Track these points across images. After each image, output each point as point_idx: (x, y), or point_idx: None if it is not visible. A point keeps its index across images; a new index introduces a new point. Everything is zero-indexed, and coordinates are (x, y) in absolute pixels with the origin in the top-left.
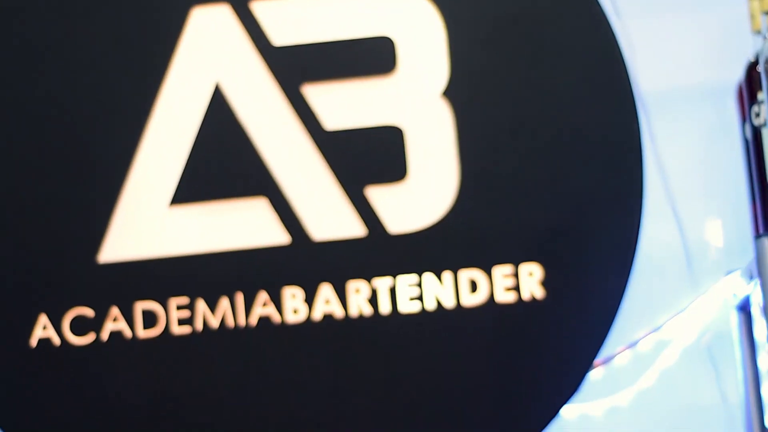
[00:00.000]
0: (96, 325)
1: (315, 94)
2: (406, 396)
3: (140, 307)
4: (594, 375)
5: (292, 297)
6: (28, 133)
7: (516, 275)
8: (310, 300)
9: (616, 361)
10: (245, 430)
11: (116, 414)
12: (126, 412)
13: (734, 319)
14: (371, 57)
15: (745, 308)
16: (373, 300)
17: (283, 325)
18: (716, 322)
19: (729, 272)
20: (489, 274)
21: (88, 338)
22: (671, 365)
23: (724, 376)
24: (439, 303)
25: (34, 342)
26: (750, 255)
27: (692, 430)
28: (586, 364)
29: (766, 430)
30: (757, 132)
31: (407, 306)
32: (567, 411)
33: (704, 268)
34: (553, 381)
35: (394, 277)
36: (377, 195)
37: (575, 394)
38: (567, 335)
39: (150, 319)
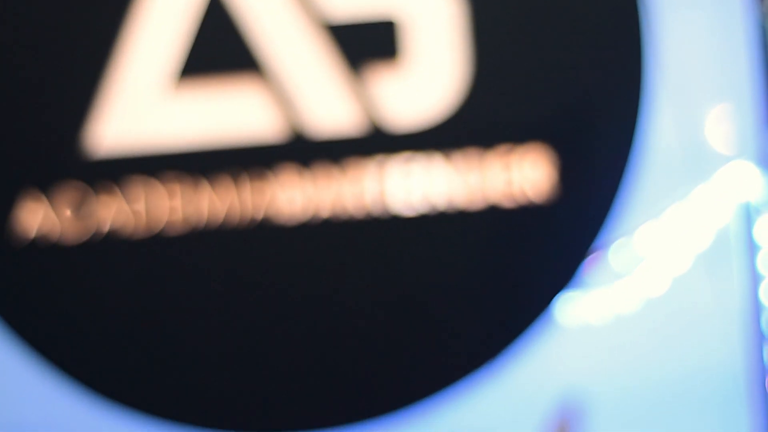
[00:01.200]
0: (82, 220)
1: None
2: (403, 291)
3: (128, 205)
4: (596, 282)
5: (289, 194)
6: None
7: (516, 163)
8: (307, 199)
9: (618, 266)
10: (241, 329)
11: (111, 312)
12: (121, 311)
13: (738, 213)
14: None
15: (749, 203)
16: (374, 197)
17: (281, 224)
18: (721, 217)
19: (732, 163)
20: (491, 159)
21: (77, 235)
22: (679, 273)
23: (725, 278)
24: (436, 196)
25: (19, 235)
26: (754, 147)
27: (698, 337)
28: (583, 253)
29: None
30: None
31: (404, 199)
32: (569, 320)
33: (708, 159)
34: (550, 269)
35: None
36: (378, 86)
37: (572, 282)
38: (568, 225)
39: (139, 217)
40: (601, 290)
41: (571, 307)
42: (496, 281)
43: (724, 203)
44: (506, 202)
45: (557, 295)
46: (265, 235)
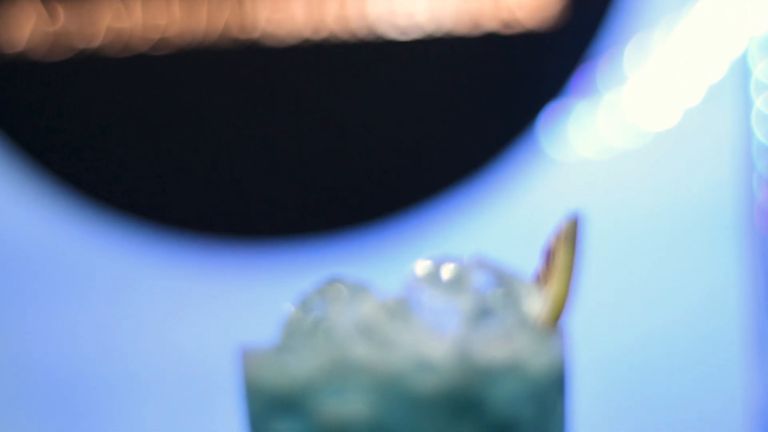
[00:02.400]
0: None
1: None
2: (387, 112)
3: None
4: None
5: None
6: None
7: None
8: (307, 21)
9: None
10: (233, 157)
11: (104, 121)
12: (115, 122)
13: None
14: None
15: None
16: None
17: (278, 47)
18: (725, 46)
19: None
20: None
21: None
22: (688, 107)
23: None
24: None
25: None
26: None
27: (689, 170)
28: (577, 59)
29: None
30: None
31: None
32: (565, 156)
33: None
34: (539, 86)
35: None
36: None
37: (561, 98)
38: (558, 46)
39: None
40: (591, 118)
41: (561, 140)
42: (485, 97)
43: (727, 29)
44: (495, 24)
45: (544, 108)
46: (252, 56)
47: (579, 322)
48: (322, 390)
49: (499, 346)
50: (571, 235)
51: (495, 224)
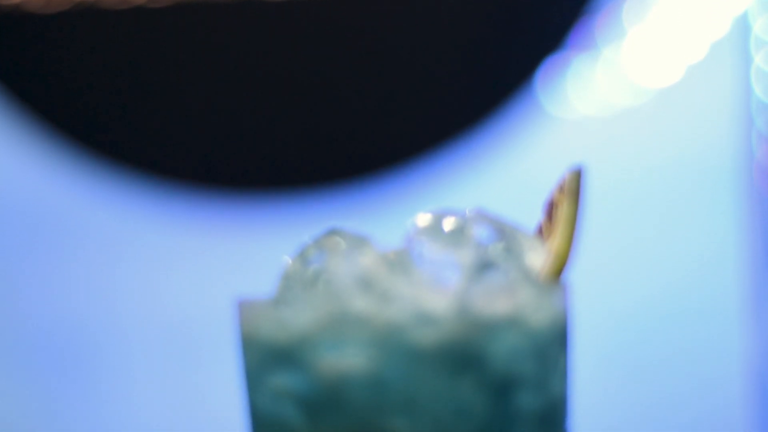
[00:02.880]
0: None
1: None
2: (399, 57)
3: None
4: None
5: None
6: None
7: None
8: None
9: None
10: (231, 109)
11: (99, 74)
12: (105, 85)
13: None
14: None
15: None
16: None
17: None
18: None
19: None
20: None
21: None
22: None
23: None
24: None
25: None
26: None
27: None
28: (576, 13)
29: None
30: None
31: None
32: (565, 113)
33: None
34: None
35: None
36: None
37: (564, 44)
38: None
39: None
40: (590, 74)
41: (560, 95)
42: (484, 50)
43: None
44: None
45: (543, 62)
46: (250, 7)
47: (580, 277)
48: (320, 343)
49: (500, 300)
50: (574, 187)
51: (495, 180)
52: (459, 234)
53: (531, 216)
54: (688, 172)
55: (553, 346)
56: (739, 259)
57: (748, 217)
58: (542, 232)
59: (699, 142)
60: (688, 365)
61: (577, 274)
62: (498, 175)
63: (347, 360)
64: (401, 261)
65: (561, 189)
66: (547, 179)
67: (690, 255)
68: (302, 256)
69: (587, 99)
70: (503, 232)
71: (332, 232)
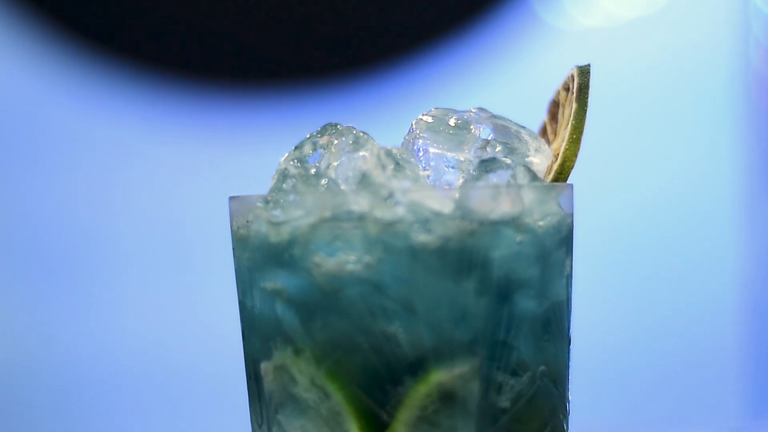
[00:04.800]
0: None
1: None
2: None
3: None
4: None
5: None
6: None
7: None
8: None
9: None
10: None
11: None
12: None
13: None
14: None
15: None
16: None
17: None
18: None
19: None
20: None
21: None
22: None
23: None
24: None
25: None
26: None
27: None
28: None
29: None
30: None
31: None
32: (568, 25)
33: None
34: None
35: None
36: None
37: None
38: None
39: None
40: None
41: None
42: None
43: None
44: None
45: None
46: None
47: (584, 180)
48: (315, 242)
49: (502, 201)
50: (581, 86)
51: (497, 82)
52: (462, 132)
53: (533, 118)
54: (687, 79)
55: (556, 249)
56: (736, 161)
57: (745, 122)
58: (546, 133)
59: (696, 51)
60: (690, 264)
61: (579, 177)
62: (500, 78)
63: (344, 259)
64: (402, 158)
65: (566, 88)
66: (549, 83)
67: (690, 158)
68: (298, 152)
69: (587, 9)
70: (507, 131)
71: (330, 127)
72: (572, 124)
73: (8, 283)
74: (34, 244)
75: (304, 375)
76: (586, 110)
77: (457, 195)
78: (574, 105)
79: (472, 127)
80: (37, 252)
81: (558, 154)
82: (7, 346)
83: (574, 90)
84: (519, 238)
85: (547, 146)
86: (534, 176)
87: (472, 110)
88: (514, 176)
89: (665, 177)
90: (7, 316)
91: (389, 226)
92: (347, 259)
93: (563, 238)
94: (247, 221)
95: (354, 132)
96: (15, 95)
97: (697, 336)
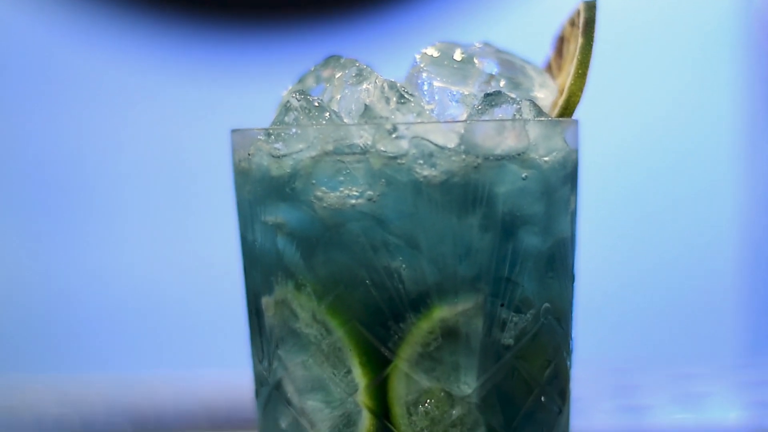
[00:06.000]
0: None
1: None
2: None
3: None
4: None
5: None
6: None
7: None
8: None
9: None
10: None
11: None
12: None
13: None
14: None
15: None
16: None
17: None
18: None
19: None
20: None
21: None
22: None
23: None
24: None
25: None
26: None
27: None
28: None
29: None
30: None
31: None
32: None
33: None
34: None
35: None
36: None
37: None
38: None
39: None
40: None
41: None
42: None
43: None
44: None
45: None
46: None
47: (587, 118)
48: (317, 176)
49: (507, 135)
50: (587, 20)
51: (502, 17)
52: (466, 66)
53: (538, 53)
54: (692, 14)
55: (561, 185)
56: (739, 96)
57: (747, 57)
58: (551, 68)
59: None
60: (694, 201)
61: (585, 112)
62: (505, 12)
63: (345, 194)
64: (406, 92)
65: (572, 23)
66: (555, 18)
67: (694, 94)
68: (301, 85)
69: None
70: (512, 65)
71: (333, 60)
72: (578, 59)
73: (8, 216)
74: (35, 180)
75: (305, 310)
76: (592, 45)
77: (461, 129)
78: (581, 40)
79: (476, 61)
80: (38, 187)
81: (563, 90)
82: (8, 280)
83: (581, 25)
84: (524, 173)
85: (552, 81)
86: (539, 111)
87: (477, 44)
88: (519, 111)
89: (670, 112)
90: (7, 250)
91: (392, 159)
92: (349, 193)
93: (568, 174)
94: (249, 154)
95: (357, 65)
96: (16, 33)
97: (699, 272)
